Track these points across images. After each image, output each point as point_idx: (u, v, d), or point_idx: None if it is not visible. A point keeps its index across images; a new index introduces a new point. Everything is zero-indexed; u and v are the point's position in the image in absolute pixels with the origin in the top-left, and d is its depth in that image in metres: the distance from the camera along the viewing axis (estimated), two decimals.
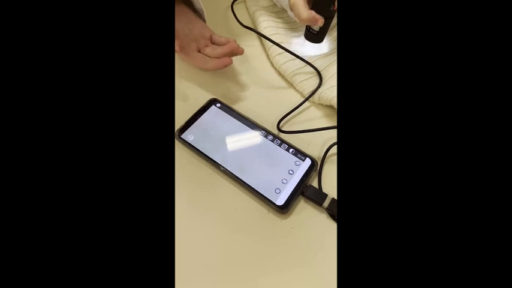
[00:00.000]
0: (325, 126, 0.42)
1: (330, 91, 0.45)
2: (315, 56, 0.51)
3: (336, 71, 0.48)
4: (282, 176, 0.39)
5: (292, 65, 0.49)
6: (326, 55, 0.51)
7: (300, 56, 0.49)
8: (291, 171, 0.40)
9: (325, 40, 0.49)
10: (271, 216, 0.37)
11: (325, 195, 0.38)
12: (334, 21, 0.51)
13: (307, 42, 0.49)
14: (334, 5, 0.44)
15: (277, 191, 0.38)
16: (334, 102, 0.44)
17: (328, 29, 0.47)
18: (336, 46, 0.52)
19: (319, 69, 0.49)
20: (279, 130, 0.43)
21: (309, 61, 0.49)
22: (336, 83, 0.46)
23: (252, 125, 0.44)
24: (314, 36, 0.47)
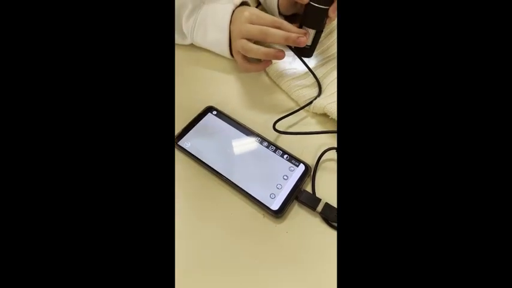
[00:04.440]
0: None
1: (323, 99, 0.47)
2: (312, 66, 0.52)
3: (329, 81, 0.49)
4: (276, 182, 0.40)
5: (288, 74, 0.51)
6: (319, 65, 0.52)
7: (292, 67, 0.50)
8: (285, 177, 0.41)
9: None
10: (266, 221, 0.38)
11: (319, 200, 0.39)
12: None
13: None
14: (326, 19, 0.45)
15: (272, 196, 0.39)
16: (327, 109, 0.45)
17: (318, 42, 0.48)
18: (328, 55, 0.53)
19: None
20: (275, 130, 0.44)
21: (302, 73, 0.51)
22: (330, 92, 0.48)
23: (248, 131, 0.45)
24: (305, 50, 0.47)
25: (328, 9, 0.44)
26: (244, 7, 0.49)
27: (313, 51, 0.48)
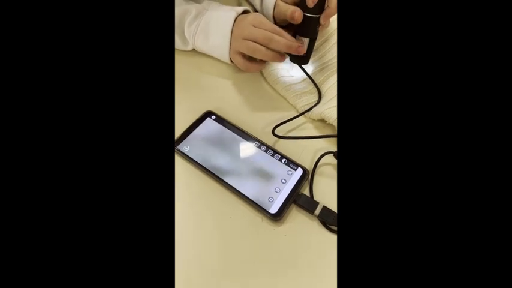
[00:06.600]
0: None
1: (320, 106, 0.48)
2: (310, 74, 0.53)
3: (327, 87, 0.50)
4: (275, 185, 0.41)
5: (286, 81, 0.51)
6: (316, 72, 0.53)
7: (290, 74, 0.51)
8: (283, 180, 0.41)
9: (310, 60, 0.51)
10: (265, 224, 0.39)
11: (317, 204, 0.39)
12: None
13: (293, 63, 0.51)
14: (318, 26, 0.46)
15: (271, 199, 0.39)
16: (324, 115, 0.46)
17: (313, 50, 0.49)
18: (325, 62, 0.54)
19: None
20: (274, 135, 0.45)
21: (300, 79, 0.51)
22: (327, 98, 0.49)
23: (246, 136, 0.45)
24: (301, 58, 0.48)
25: (319, 17, 0.45)
26: (248, 14, 0.50)
27: (308, 58, 0.49)
